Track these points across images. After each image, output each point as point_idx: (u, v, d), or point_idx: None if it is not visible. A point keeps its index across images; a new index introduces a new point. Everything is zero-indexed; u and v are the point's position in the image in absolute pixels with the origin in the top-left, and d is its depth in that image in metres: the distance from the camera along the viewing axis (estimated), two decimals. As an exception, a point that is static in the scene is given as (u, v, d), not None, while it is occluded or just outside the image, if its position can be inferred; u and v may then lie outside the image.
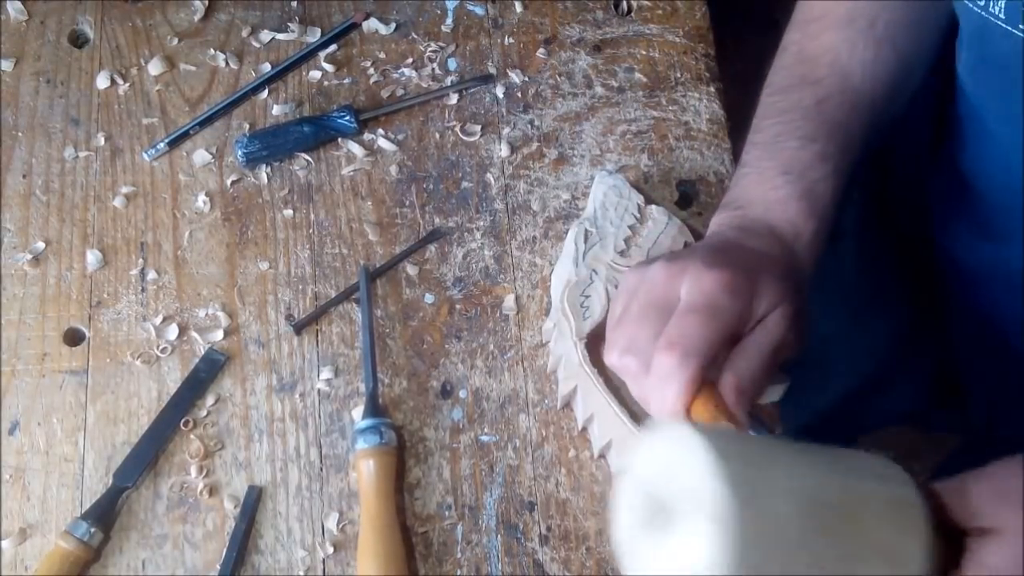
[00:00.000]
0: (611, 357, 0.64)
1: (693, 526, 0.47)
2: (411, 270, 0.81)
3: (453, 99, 0.87)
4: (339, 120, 0.84)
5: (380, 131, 0.86)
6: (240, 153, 0.83)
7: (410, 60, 0.89)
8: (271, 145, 0.84)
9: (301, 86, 0.88)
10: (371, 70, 0.89)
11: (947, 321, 0.92)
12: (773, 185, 0.69)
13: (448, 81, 0.88)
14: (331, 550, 0.72)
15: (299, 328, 0.79)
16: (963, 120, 0.77)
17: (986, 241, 0.81)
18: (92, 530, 0.71)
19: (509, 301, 0.80)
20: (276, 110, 0.87)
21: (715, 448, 0.48)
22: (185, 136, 0.85)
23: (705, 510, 0.47)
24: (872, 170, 0.90)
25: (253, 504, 0.73)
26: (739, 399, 0.60)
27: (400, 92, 0.88)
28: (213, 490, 0.74)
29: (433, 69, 0.89)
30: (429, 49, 0.89)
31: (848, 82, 0.72)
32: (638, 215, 0.79)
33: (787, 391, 0.71)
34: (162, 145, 0.85)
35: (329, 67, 0.88)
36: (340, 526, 0.73)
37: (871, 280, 0.95)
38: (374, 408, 0.74)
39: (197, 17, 0.91)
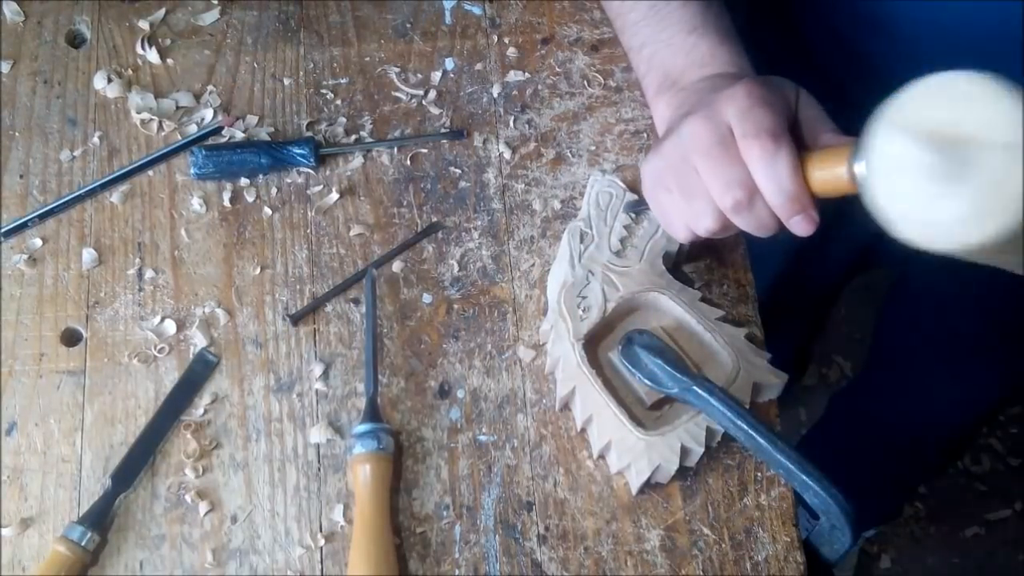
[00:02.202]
0: (705, 221, 0.65)
1: (998, 156, 0.49)
2: (409, 270, 0.81)
3: (436, 110, 0.87)
4: (297, 154, 0.83)
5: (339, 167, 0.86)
6: (193, 171, 0.83)
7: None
8: (224, 170, 0.83)
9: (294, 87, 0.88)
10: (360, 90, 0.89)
11: None
12: (689, 47, 0.72)
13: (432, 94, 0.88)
14: (329, 550, 0.72)
15: (296, 320, 0.79)
16: None
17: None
18: (89, 534, 0.71)
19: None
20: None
21: (1003, 83, 0.50)
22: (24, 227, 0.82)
23: (1013, 137, 0.48)
24: None
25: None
26: (844, 136, 0.63)
27: (388, 109, 0.88)
28: (211, 490, 0.74)
29: (426, 91, 0.88)
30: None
31: None
32: (632, 215, 0.79)
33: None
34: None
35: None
36: (338, 526, 0.73)
37: None
38: (373, 413, 0.74)
39: (199, 19, 0.91)
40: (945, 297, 1.12)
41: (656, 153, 0.68)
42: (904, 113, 0.54)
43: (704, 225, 0.66)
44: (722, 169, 0.63)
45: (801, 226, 0.63)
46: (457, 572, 0.72)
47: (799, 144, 0.63)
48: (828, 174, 0.60)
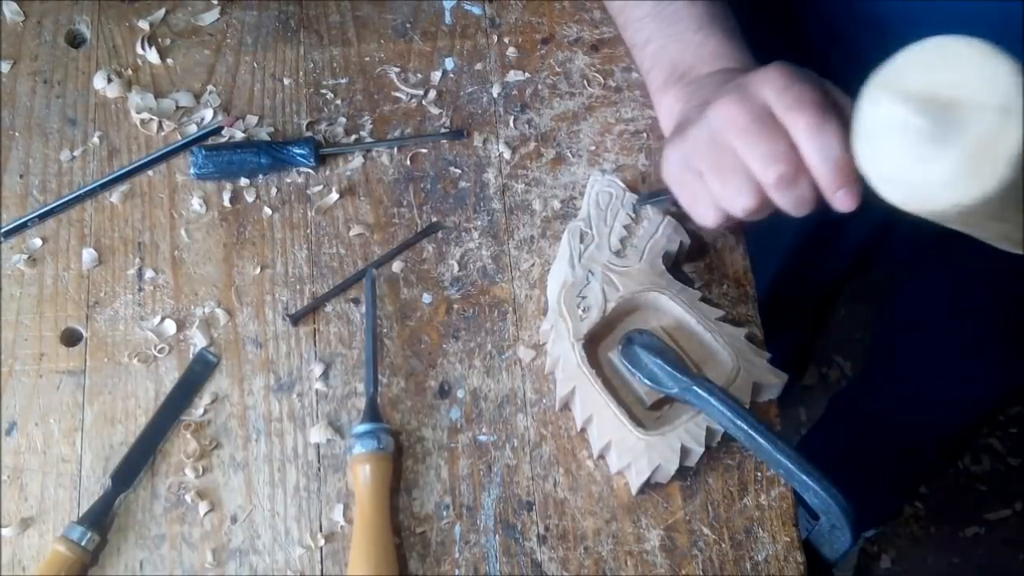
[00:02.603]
0: (743, 199, 0.65)
1: (990, 119, 0.49)
2: (409, 270, 0.81)
3: (436, 110, 0.87)
4: (297, 154, 0.83)
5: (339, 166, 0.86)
6: (192, 171, 0.83)
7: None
8: (224, 170, 0.83)
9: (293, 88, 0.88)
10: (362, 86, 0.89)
11: None
12: (697, 43, 0.73)
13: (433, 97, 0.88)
14: (329, 550, 0.72)
15: (296, 320, 0.79)
16: None
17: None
18: (89, 534, 0.71)
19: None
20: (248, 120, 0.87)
21: (995, 47, 0.51)
22: (23, 227, 0.82)
23: (1008, 100, 0.49)
24: None
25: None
26: None
27: (388, 109, 0.88)
28: (211, 490, 0.74)
29: (426, 92, 0.88)
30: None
31: None
32: (632, 215, 0.79)
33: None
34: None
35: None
36: (338, 526, 0.73)
37: None
38: (373, 413, 0.74)
39: (199, 19, 0.91)
40: (944, 297, 1.12)
41: (680, 138, 0.68)
42: (893, 77, 0.54)
43: (741, 204, 0.65)
44: (763, 144, 0.63)
45: (845, 200, 0.63)
46: (457, 572, 0.72)
47: None
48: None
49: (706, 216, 0.69)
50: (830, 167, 0.61)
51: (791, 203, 0.65)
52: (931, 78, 0.53)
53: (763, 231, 0.83)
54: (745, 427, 0.68)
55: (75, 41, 0.91)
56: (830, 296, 1.53)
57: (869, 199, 0.62)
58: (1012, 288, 1.03)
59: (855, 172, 0.61)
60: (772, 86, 0.63)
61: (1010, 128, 0.49)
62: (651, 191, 0.81)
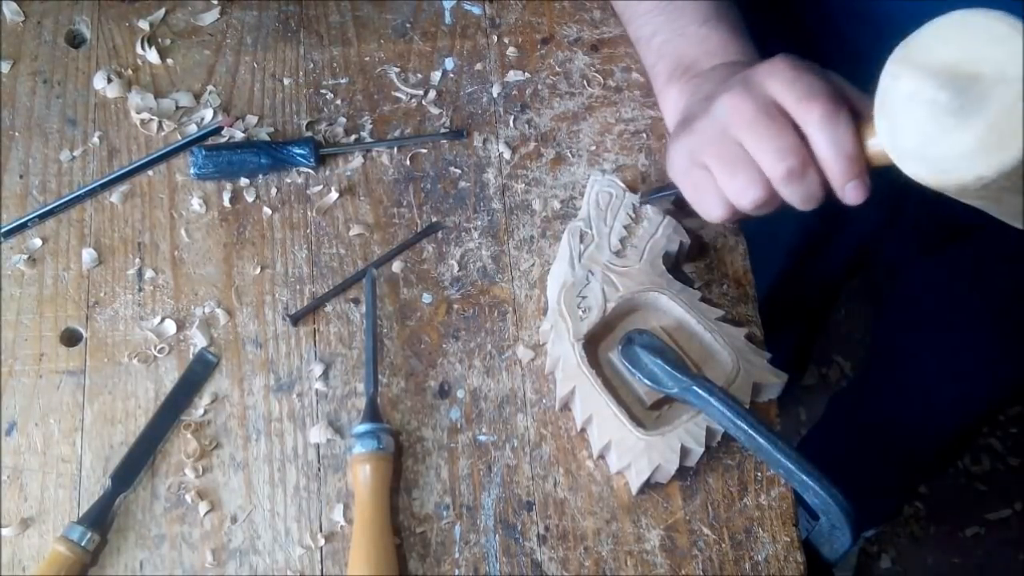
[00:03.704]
0: (751, 193, 0.65)
1: (1012, 91, 0.50)
2: (409, 270, 0.81)
3: (435, 110, 0.87)
4: (297, 154, 0.83)
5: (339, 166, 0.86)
6: (193, 171, 0.83)
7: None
8: (224, 170, 0.83)
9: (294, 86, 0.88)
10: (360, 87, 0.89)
11: None
12: (702, 37, 0.73)
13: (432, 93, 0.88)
14: (329, 550, 0.72)
15: (296, 320, 0.79)
16: None
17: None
18: (89, 534, 0.71)
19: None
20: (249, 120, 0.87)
21: (1019, 22, 0.51)
22: (24, 227, 0.82)
23: None
24: None
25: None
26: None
27: (388, 109, 0.88)
28: (211, 490, 0.74)
29: (426, 91, 0.88)
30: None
31: None
32: (632, 215, 0.79)
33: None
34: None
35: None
36: (338, 526, 0.73)
37: None
38: (373, 413, 0.74)
39: (199, 19, 0.91)
40: (944, 297, 1.12)
41: (686, 133, 0.68)
42: (914, 52, 0.55)
43: (750, 197, 0.65)
44: (773, 138, 0.63)
45: (855, 192, 0.63)
46: (457, 572, 0.72)
47: None
48: (872, 142, 0.61)
49: (713, 210, 0.69)
50: (842, 159, 0.61)
51: (799, 197, 0.65)
52: (952, 52, 0.53)
53: (761, 233, 0.83)
54: (745, 427, 0.68)
55: (75, 41, 0.91)
56: (829, 297, 1.53)
57: (871, 194, 0.62)
58: (1010, 287, 1.03)
59: (865, 163, 0.61)
60: (779, 78, 0.63)
61: None
62: (654, 187, 0.81)
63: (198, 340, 0.79)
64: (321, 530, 0.73)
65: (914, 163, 0.55)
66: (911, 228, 1.14)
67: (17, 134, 0.86)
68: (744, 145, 0.64)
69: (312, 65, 0.89)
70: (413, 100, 0.88)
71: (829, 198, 0.65)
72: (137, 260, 0.82)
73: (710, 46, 0.74)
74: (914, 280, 1.18)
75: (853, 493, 0.66)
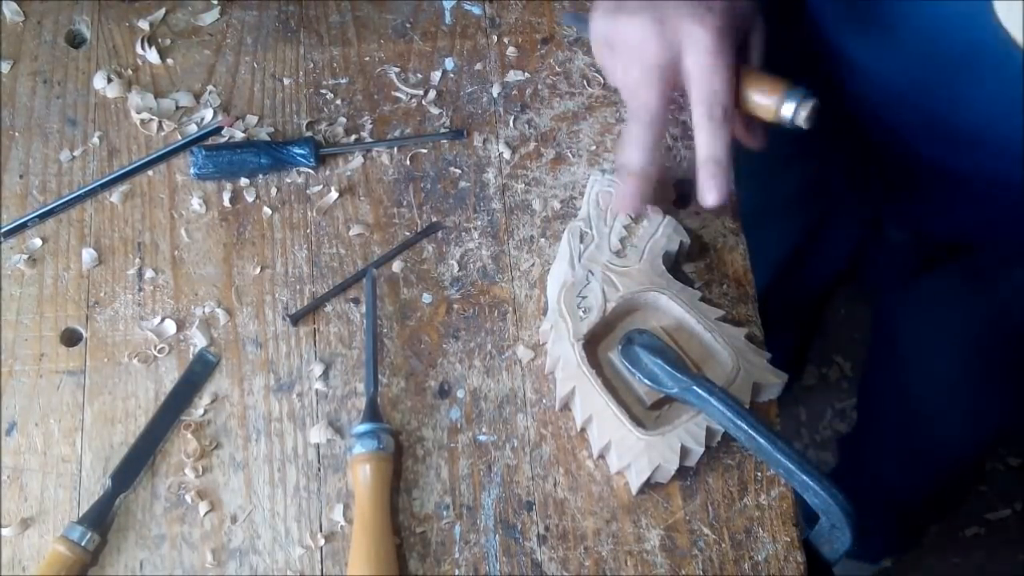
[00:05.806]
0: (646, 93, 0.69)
1: None
2: (409, 270, 0.81)
3: (435, 110, 0.87)
4: (297, 154, 0.83)
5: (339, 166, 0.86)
6: (193, 171, 0.83)
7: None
8: (224, 170, 0.83)
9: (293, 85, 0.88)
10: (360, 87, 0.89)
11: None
12: None
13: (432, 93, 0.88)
14: (329, 550, 0.72)
15: (296, 320, 0.79)
16: None
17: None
18: (89, 534, 0.71)
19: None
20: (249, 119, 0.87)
21: None
22: (23, 227, 0.83)
23: None
24: None
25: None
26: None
27: (388, 109, 0.88)
28: (211, 490, 0.74)
29: (426, 92, 0.88)
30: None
31: None
32: (632, 214, 0.79)
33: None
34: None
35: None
36: (338, 526, 0.73)
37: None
38: (373, 413, 0.74)
39: (199, 19, 0.91)
40: (945, 297, 1.12)
41: (615, 11, 0.70)
42: None
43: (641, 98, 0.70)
44: (648, 95, 0.68)
45: (711, 197, 0.69)
46: (457, 572, 0.72)
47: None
48: (760, 98, 0.68)
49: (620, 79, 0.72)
50: (710, 164, 0.67)
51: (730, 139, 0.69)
52: None
53: (755, 235, 0.83)
54: (745, 427, 0.68)
55: (75, 41, 0.91)
56: (823, 298, 1.53)
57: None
58: (1007, 303, 1.03)
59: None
60: (698, 60, 0.66)
61: None
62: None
63: (198, 340, 0.79)
64: (321, 530, 0.73)
65: None
66: (892, 250, 1.15)
67: (17, 134, 0.86)
68: (628, 77, 0.69)
69: (312, 65, 0.89)
70: (413, 100, 0.88)
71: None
72: (137, 260, 0.82)
73: None
74: (914, 280, 1.18)
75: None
